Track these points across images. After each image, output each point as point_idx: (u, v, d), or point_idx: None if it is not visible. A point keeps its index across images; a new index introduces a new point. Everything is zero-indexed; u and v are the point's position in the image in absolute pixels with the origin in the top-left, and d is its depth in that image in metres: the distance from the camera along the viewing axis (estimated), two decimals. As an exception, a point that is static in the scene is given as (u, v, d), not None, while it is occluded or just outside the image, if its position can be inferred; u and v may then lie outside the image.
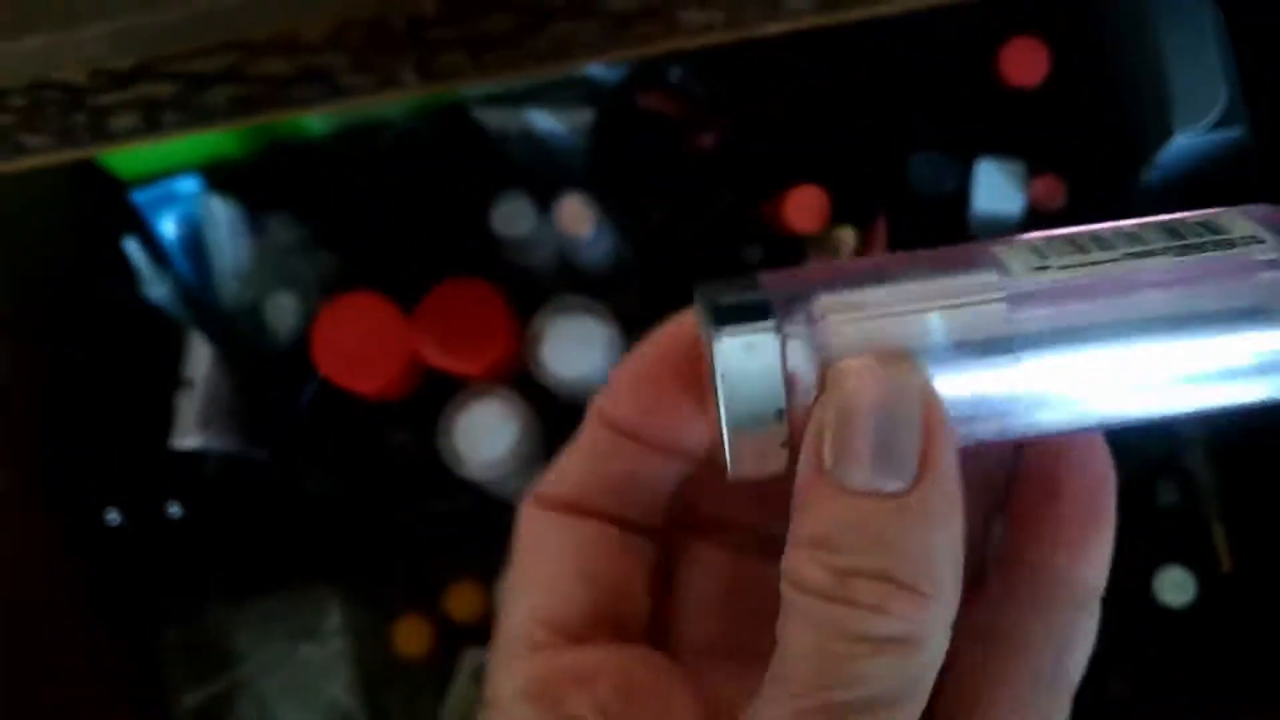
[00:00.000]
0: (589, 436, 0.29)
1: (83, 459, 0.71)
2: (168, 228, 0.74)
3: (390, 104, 0.72)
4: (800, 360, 0.24)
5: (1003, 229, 0.71)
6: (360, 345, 0.66)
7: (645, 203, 0.74)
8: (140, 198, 0.74)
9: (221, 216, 0.73)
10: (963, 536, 0.24)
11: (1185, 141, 0.66)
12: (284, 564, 0.75)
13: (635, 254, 0.73)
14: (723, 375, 0.24)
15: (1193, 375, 0.24)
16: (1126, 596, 0.73)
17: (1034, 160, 0.70)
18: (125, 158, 0.73)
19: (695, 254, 0.73)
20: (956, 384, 0.24)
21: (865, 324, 0.24)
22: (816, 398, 0.24)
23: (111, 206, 0.75)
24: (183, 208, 0.74)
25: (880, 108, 0.72)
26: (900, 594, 0.23)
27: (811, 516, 0.24)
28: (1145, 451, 0.74)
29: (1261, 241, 0.24)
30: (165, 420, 0.69)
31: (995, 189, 0.70)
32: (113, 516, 0.65)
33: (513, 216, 0.69)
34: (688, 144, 0.73)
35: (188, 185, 0.74)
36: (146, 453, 0.70)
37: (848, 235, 0.71)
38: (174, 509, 0.66)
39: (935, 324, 0.24)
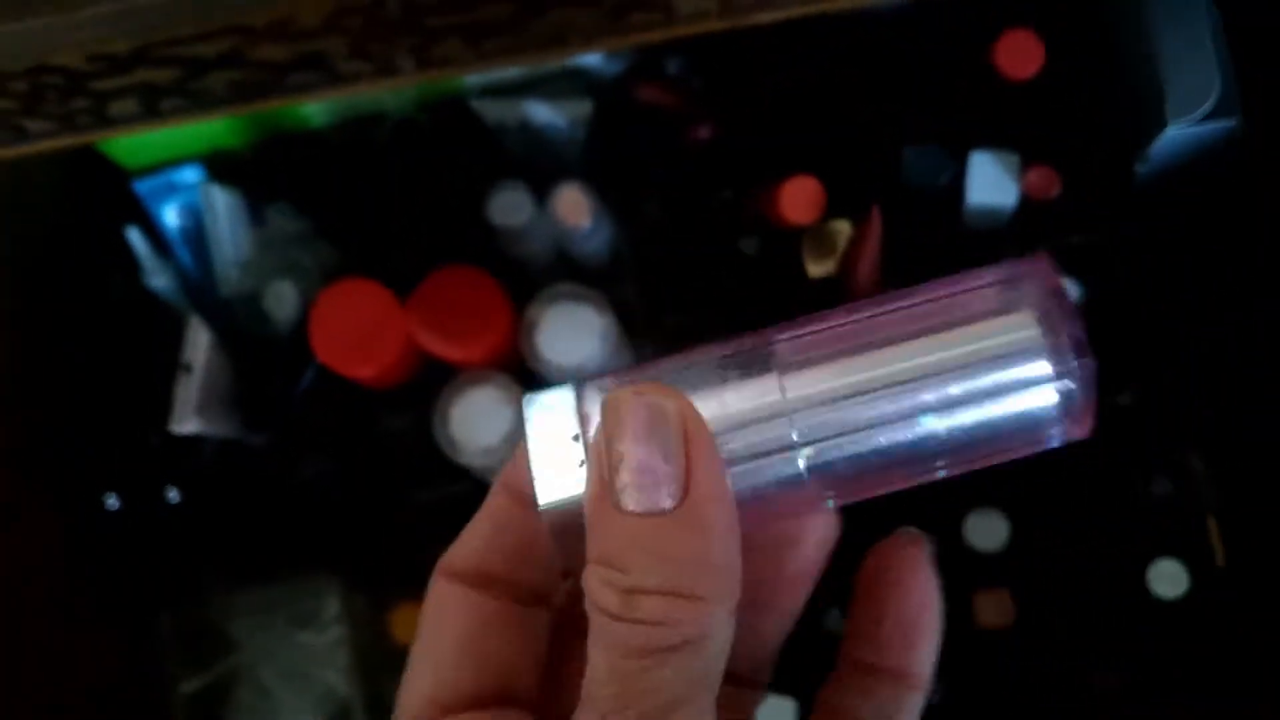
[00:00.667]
0: (491, 505, 0.31)
1: (82, 444, 0.71)
2: (169, 217, 0.75)
3: (389, 95, 0.73)
4: (592, 403, 0.27)
5: (998, 220, 0.72)
6: (357, 332, 0.66)
7: (642, 194, 0.74)
8: (142, 187, 0.75)
9: (222, 206, 0.74)
10: (737, 541, 0.26)
11: (1179, 133, 0.67)
12: (282, 551, 0.75)
13: (632, 245, 0.74)
14: (530, 418, 0.28)
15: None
16: (1120, 588, 0.74)
17: (1028, 152, 0.71)
18: (127, 147, 0.74)
19: (691, 245, 0.74)
20: (715, 404, 0.27)
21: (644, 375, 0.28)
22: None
23: (113, 196, 0.75)
24: (184, 197, 0.75)
25: (875, 100, 0.73)
26: (680, 603, 0.25)
27: (597, 536, 0.25)
28: (1140, 443, 0.74)
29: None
30: (164, 406, 0.70)
31: (990, 180, 0.70)
32: (111, 501, 0.65)
33: (510, 207, 0.69)
34: (684, 136, 0.74)
35: (189, 175, 0.75)
36: (145, 438, 0.71)
37: (843, 227, 0.71)
38: (172, 494, 0.66)
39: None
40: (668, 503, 0.25)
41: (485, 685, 0.30)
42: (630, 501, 0.25)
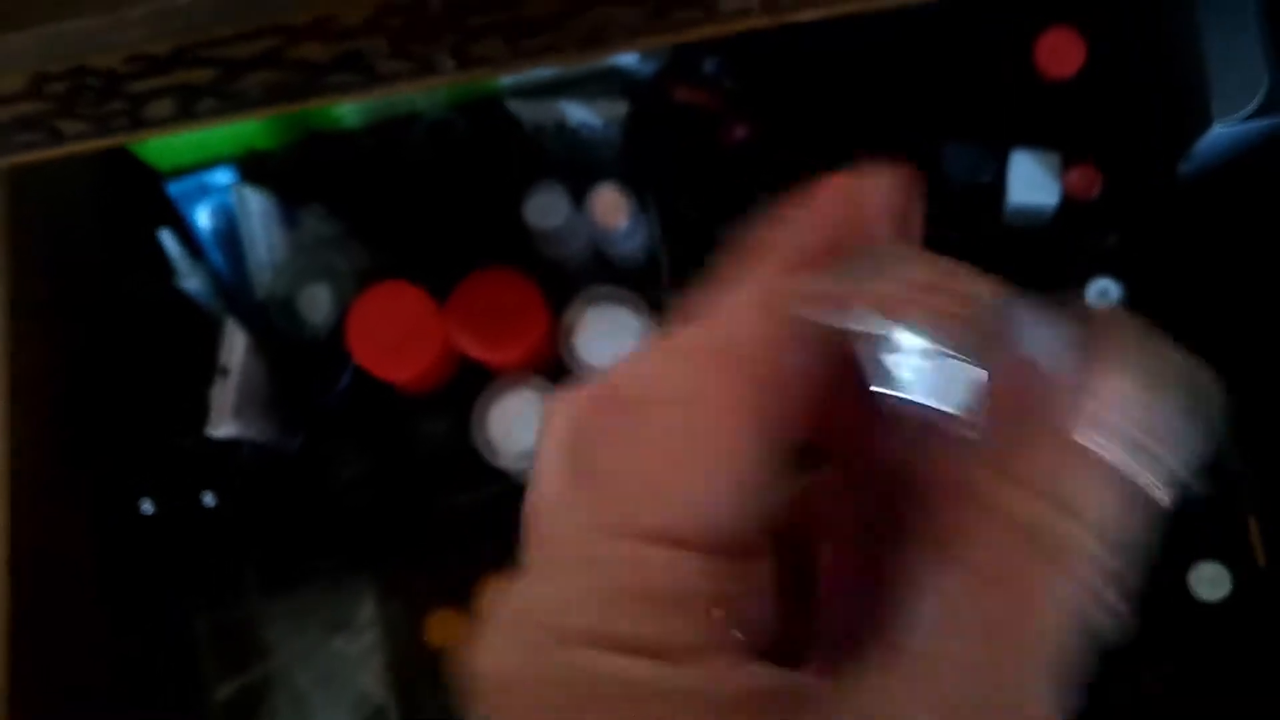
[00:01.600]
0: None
1: (117, 448, 0.71)
2: (202, 219, 0.74)
3: (423, 96, 0.73)
4: None
5: (1039, 219, 0.71)
6: (394, 335, 0.66)
7: (678, 194, 0.73)
8: (175, 189, 0.74)
9: (256, 208, 0.73)
10: None
11: (1224, 131, 0.66)
12: (317, 556, 0.75)
13: (668, 246, 0.73)
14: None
15: None
16: (1162, 591, 0.73)
17: (1070, 151, 0.70)
18: (160, 149, 0.74)
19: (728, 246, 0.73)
20: None
21: None
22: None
23: (147, 198, 0.75)
24: (217, 199, 0.74)
25: (915, 98, 0.72)
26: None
27: (1066, 468, 0.22)
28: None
29: None
30: (200, 410, 0.69)
31: (1030, 179, 0.70)
32: (146, 506, 0.65)
33: (547, 208, 0.68)
34: (721, 136, 0.73)
35: (222, 177, 0.74)
36: (180, 442, 0.70)
37: (882, 227, 0.71)
38: (208, 498, 0.66)
39: None
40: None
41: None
42: (1128, 461, 0.22)
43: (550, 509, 0.26)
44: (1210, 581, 0.72)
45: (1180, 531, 0.73)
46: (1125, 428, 0.22)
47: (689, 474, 0.23)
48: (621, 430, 0.24)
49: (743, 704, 0.22)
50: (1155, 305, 0.74)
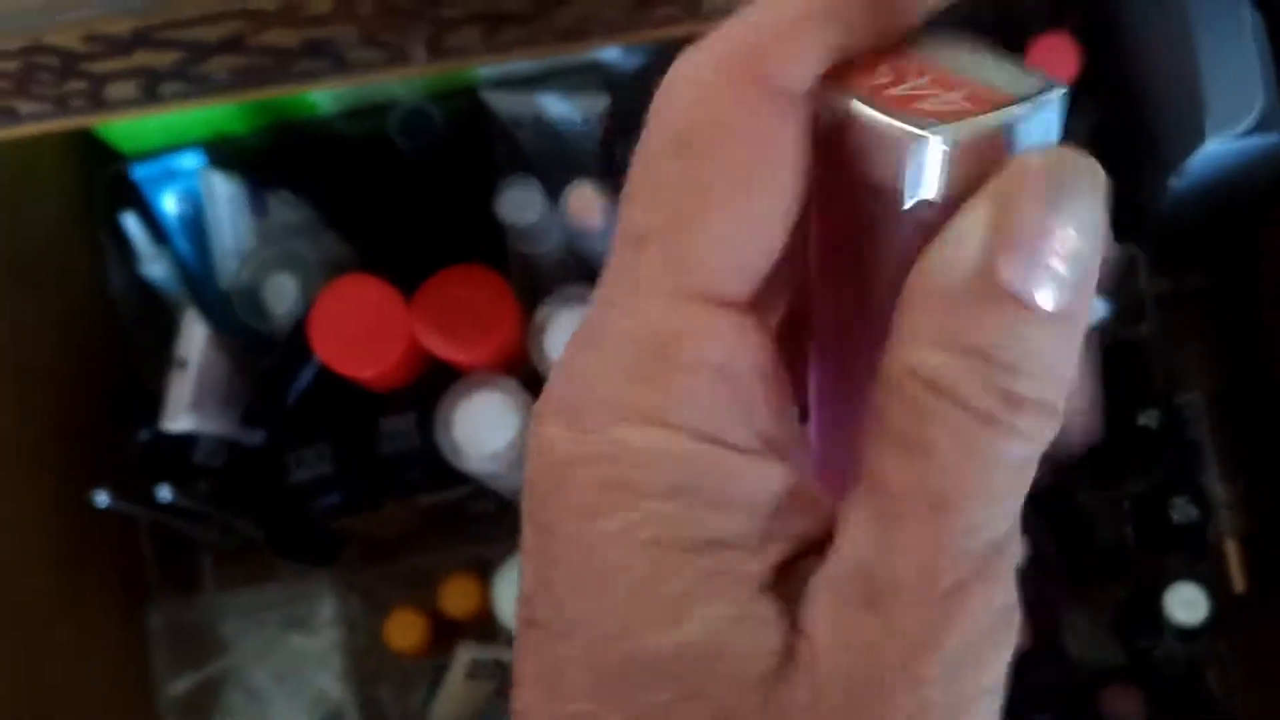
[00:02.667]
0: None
1: (74, 438, 0.69)
2: (168, 204, 0.72)
3: (399, 83, 0.71)
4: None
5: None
6: (359, 330, 0.64)
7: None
8: (140, 173, 0.72)
9: (223, 194, 0.71)
10: None
11: (1218, 147, 0.64)
12: (276, 552, 0.73)
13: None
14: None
15: None
16: (1137, 614, 0.72)
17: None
18: (126, 132, 0.72)
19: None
20: None
21: None
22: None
23: (111, 181, 0.73)
24: (184, 184, 0.73)
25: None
26: (1049, 425, 0.21)
27: (973, 320, 0.20)
28: (1161, 468, 0.72)
29: None
30: (158, 401, 0.67)
31: (1018, 190, 0.68)
32: (101, 499, 0.63)
33: (521, 203, 0.67)
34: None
35: (190, 161, 0.72)
36: (138, 434, 0.68)
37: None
38: (164, 492, 0.64)
39: None
40: (1080, 306, 0.21)
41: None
42: (1050, 298, 0.20)
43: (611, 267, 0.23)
44: (1187, 604, 0.71)
45: (1157, 553, 0.72)
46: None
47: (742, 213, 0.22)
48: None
49: (782, 504, 0.22)
50: (1139, 324, 0.72)
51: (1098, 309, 0.70)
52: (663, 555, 0.21)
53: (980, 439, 0.20)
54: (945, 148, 0.21)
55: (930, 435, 0.21)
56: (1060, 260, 0.20)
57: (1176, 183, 0.68)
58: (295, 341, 0.66)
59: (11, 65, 0.55)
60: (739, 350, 0.22)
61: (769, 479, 0.22)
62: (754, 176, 0.22)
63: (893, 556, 0.21)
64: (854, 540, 0.22)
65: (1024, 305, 0.20)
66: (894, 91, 0.21)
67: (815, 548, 0.22)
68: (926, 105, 0.21)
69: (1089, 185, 0.20)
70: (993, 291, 0.20)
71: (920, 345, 0.21)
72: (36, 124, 0.59)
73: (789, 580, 0.22)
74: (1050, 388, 0.21)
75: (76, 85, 0.58)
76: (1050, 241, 0.20)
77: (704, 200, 0.22)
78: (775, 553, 0.22)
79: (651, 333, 0.22)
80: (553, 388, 0.23)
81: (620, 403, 0.22)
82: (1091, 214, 0.20)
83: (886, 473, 0.21)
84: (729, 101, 0.22)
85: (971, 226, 0.20)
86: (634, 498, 0.21)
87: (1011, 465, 0.21)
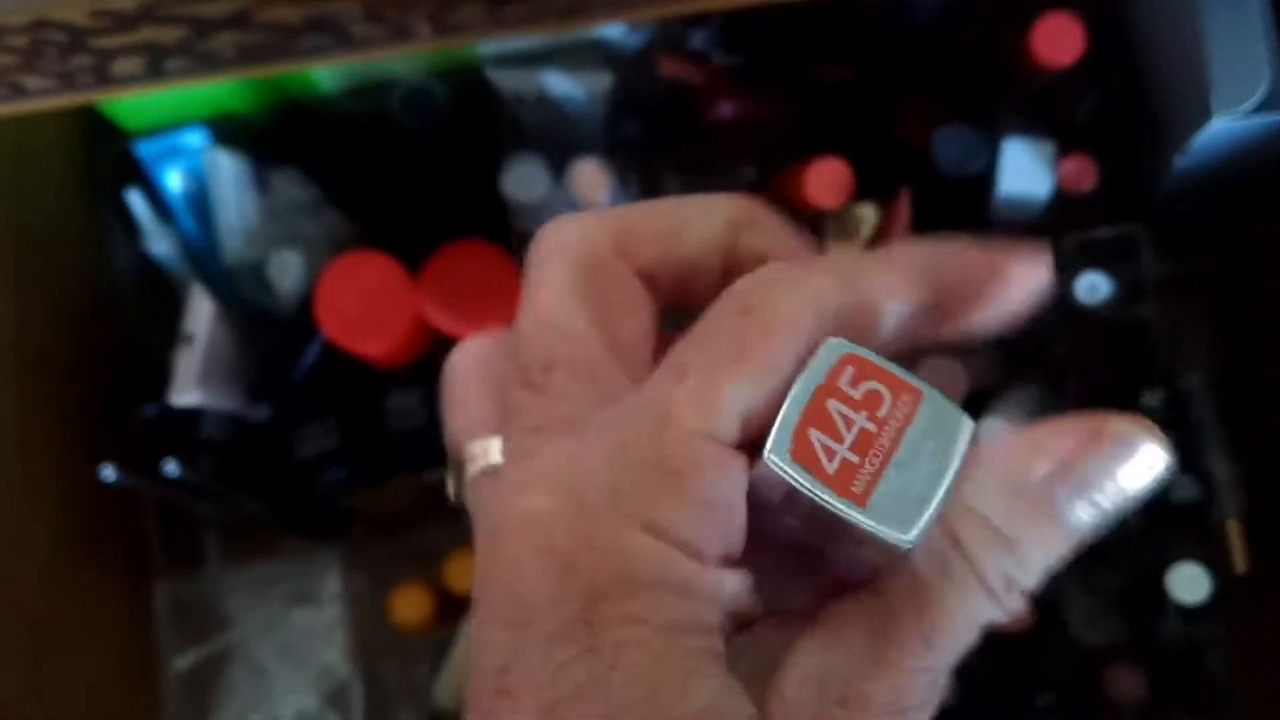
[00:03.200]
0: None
1: (79, 413, 0.69)
2: (172, 181, 0.72)
3: (401, 61, 0.71)
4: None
5: (1029, 211, 0.69)
6: (364, 307, 0.64)
7: (662, 171, 0.72)
8: (144, 150, 0.72)
9: (227, 171, 0.71)
10: None
11: (1224, 126, 0.64)
12: (281, 527, 0.74)
13: (650, 224, 0.71)
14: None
15: None
16: (1139, 592, 0.72)
17: (1064, 141, 0.68)
18: (130, 109, 0.72)
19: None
20: None
21: None
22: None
23: (115, 158, 0.73)
24: (188, 161, 0.73)
25: (907, 81, 0.70)
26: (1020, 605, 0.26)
27: (1013, 516, 0.25)
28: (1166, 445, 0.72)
29: None
30: (164, 376, 0.68)
31: (1023, 169, 0.68)
32: (107, 473, 0.63)
33: (525, 180, 0.67)
34: (707, 112, 0.71)
35: (194, 138, 0.72)
36: (144, 409, 0.69)
37: (868, 212, 0.69)
38: (170, 467, 0.64)
39: None
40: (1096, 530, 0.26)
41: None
42: (1082, 518, 0.26)
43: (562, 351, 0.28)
44: (1188, 583, 0.71)
45: (1160, 531, 0.72)
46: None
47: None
48: None
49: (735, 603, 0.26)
50: (1142, 302, 0.72)
51: (1101, 289, 0.71)
52: (673, 638, 0.24)
53: (977, 604, 0.25)
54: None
55: (942, 583, 0.25)
56: (1105, 503, 0.25)
57: (1181, 162, 0.68)
58: (301, 318, 0.66)
59: (20, 40, 0.55)
60: (733, 487, 0.25)
61: (733, 584, 0.26)
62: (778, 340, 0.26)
63: (874, 670, 0.25)
64: (830, 647, 0.26)
65: (1058, 519, 0.25)
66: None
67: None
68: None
69: (1152, 467, 0.26)
70: (1043, 500, 0.25)
71: (963, 504, 0.25)
72: (43, 99, 0.59)
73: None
74: (1038, 580, 0.26)
75: (82, 61, 0.58)
76: (1105, 494, 0.25)
77: (743, 351, 0.25)
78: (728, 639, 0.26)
79: (671, 458, 0.25)
80: (544, 464, 0.26)
81: (631, 511, 0.25)
82: (1144, 488, 0.25)
83: (891, 596, 0.25)
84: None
85: (1054, 446, 0.26)
86: (643, 589, 0.24)
87: (979, 629, 0.26)
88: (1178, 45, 0.65)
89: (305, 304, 0.66)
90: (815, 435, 0.24)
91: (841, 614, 0.26)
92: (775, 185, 0.70)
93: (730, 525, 0.25)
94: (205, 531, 0.75)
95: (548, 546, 0.25)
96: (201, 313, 0.67)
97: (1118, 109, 0.69)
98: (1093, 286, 0.70)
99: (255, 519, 0.73)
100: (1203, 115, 0.64)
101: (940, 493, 0.24)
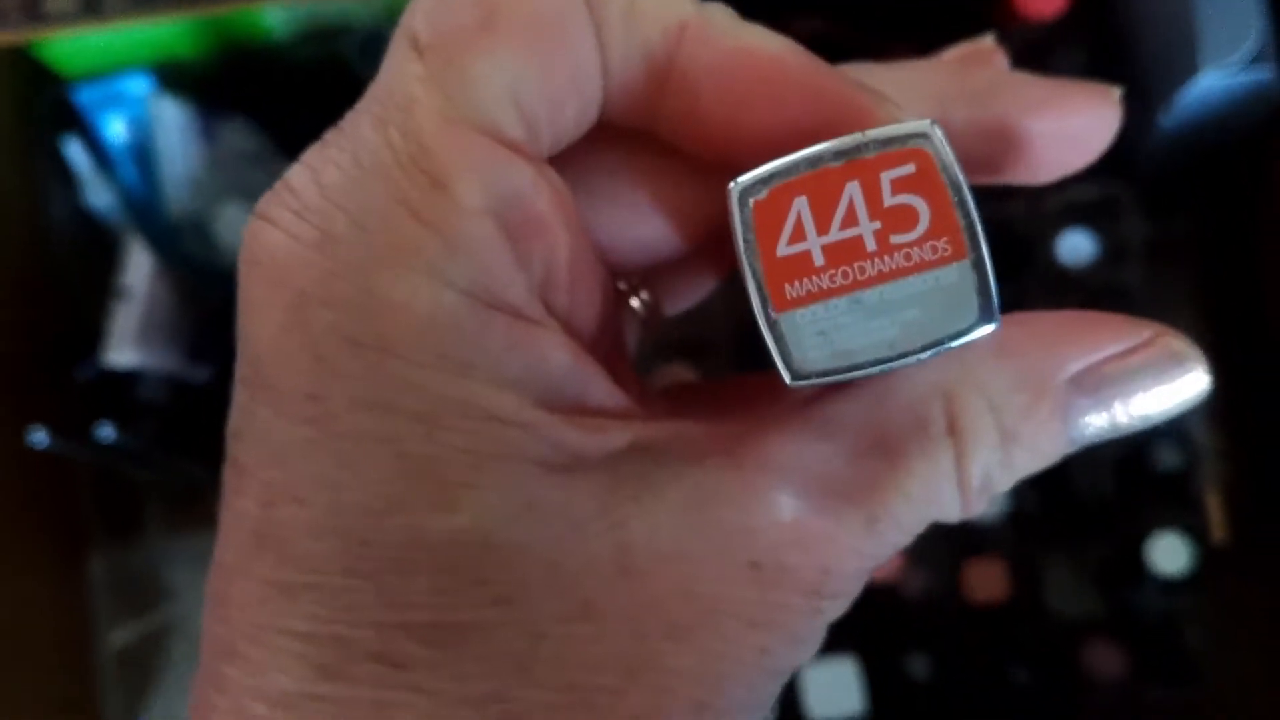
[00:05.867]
0: None
1: (6, 376, 0.66)
2: (113, 129, 0.69)
3: (357, 6, 0.67)
4: None
5: (1010, 168, 0.67)
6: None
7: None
8: (84, 97, 0.69)
9: (172, 120, 0.68)
10: None
11: (1211, 82, 0.62)
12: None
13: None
14: None
15: None
16: (1119, 563, 0.70)
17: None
18: (68, 53, 0.68)
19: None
20: None
21: None
22: None
23: (54, 105, 0.69)
24: (130, 109, 0.69)
25: (885, 34, 0.68)
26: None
27: (1024, 402, 0.21)
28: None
29: None
30: (100, 337, 0.64)
31: (1004, 125, 0.65)
32: (38, 437, 0.60)
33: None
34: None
35: (137, 85, 0.69)
36: (77, 370, 0.65)
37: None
38: (105, 431, 0.60)
39: None
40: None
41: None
42: (1089, 432, 0.21)
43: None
44: (1168, 553, 0.69)
45: (1141, 501, 0.70)
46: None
47: None
48: None
49: (572, 385, 0.20)
50: (1125, 263, 0.70)
51: (1084, 249, 0.68)
52: (429, 432, 0.19)
53: (941, 494, 0.20)
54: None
55: (913, 457, 0.20)
56: (1122, 419, 0.21)
57: (1165, 119, 0.65)
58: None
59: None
60: (525, 198, 0.19)
61: (552, 351, 0.20)
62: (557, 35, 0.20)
63: (797, 540, 0.20)
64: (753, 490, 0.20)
65: (1065, 425, 0.21)
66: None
67: (624, 448, 0.20)
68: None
69: (1190, 393, 0.22)
70: (1058, 401, 0.21)
71: (973, 378, 0.21)
72: (-31, 35, 0.55)
73: (592, 473, 0.20)
74: (1008, 486, 0.21)
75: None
76: (1129, 408, 0.21)
77: (495, 26, 0.20)
78: (567, 435, 0.20)
79: (426, 159, 0.19)
80: (294, 182, 0.20)
81: (384, 240, 0.19)
82: (1170, 413, 0.22)
83: (848, 421, 0.20)
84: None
85: (1090, 346, 0.21)
86: (391, 361, 0.19)
87: (924, 526, 0.21)
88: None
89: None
90: (800, 203, 0.19)
91: (766, 447, 0.20)
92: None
93: (537, 255, 0.20)
94: (145, 500, 0.71)
95: (279, 284, 0.19)
96: (140, 266, 0.63)
97: (1102, 63, 0.67)
98: (1075, 247, 0.67)
99: (196, 487, 0.70)
100: (1190, 69, 0.62)
101: (864, 373, 0.19)
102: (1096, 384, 0.21)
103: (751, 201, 0.19)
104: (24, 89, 0.70)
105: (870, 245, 0.19)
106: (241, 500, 0.20)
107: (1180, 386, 0.22)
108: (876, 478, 0.20)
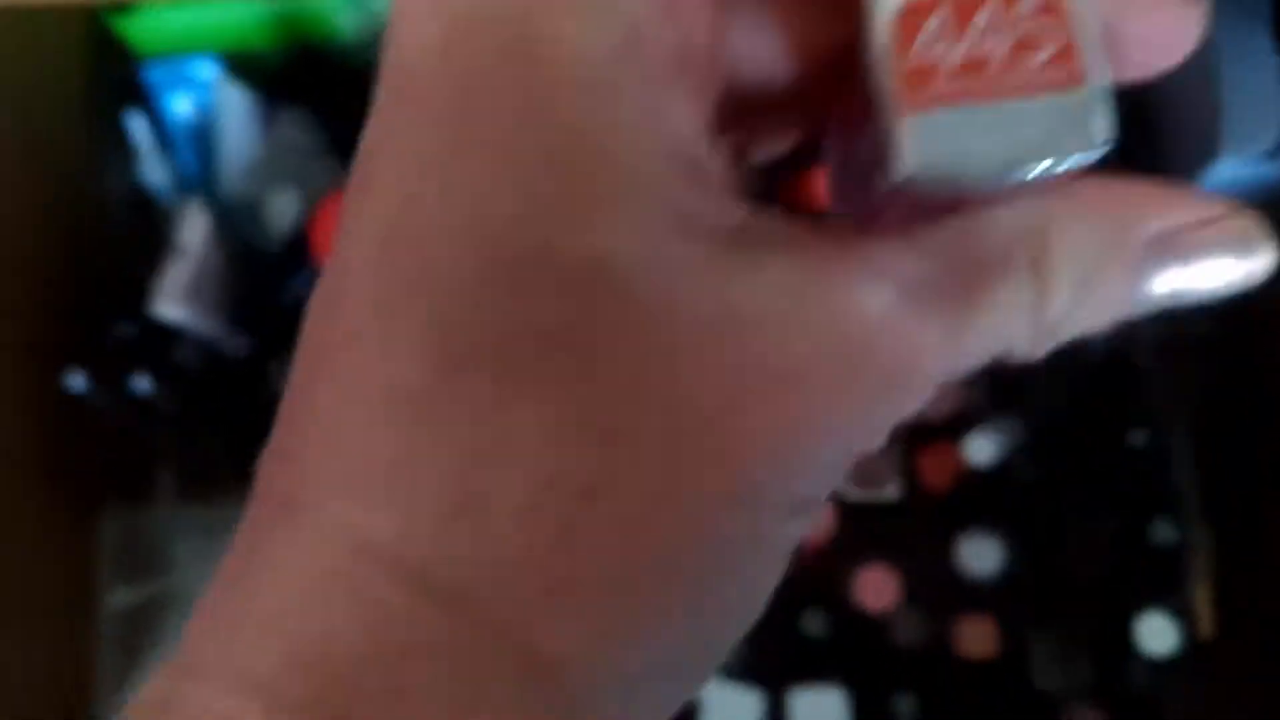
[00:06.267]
0: None
1: (47, 325, 0.67)
2: (178, 108, 0.71)
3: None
4: None
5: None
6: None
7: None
8: (153, 74, 0.71)
9: (235, 105, 0.70)
10: None
11: (1232, 170, 0.64)
12: (243, 470, 0.71)
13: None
14: None
15: None
16: (1107, 632, 0.71)
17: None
18: (143, 31, 0.71)
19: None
20: None
21: None
22: None
23: (122, 80, 0.72)
24: (196, 91, 0.71)
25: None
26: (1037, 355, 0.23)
27: (1106, 256, 0.22)
28: (1144, 489, 0.72)
29: None
30: (140, 300, 0.66)
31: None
32: (77, 381, 0.61)
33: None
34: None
35: (204, 69, 0.71)
36: (122, 323, 0.66)
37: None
38: (142, 384, 0.62)
39: None
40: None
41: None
42: (1153, 295, 0.22)
43: None
44: (1156, 633, 0.70)
45: (1133, 574, 0.71)
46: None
47: None
48: None
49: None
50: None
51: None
52: (573, 154, 0.20)
53: (1010, 326, 0.21)
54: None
55: (995, 272, 0.21)
56: (1188, 285, 0.23)
57: (1187, 206, 0.68)
58: (293, 251, 0.64)
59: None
60: None
61: (689, 112, 0.21)
62: None
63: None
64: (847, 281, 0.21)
65: (1136, 284, 0.22)
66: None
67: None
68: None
69: (1257, 271, 0.23)
70: (1134, 257, 0.22)
71: (1061, 225, 0.21)
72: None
73: (707, 236, 0.20)
74: (1072, 335, 0.22)
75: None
76: (1197, 276, 0.23)
77: None
78: (691, 194, 0.20)
79: None
80: None
81: None
82: (1233, 287, 0.23)
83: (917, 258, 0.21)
84: None
85: (1170, 212, 0.23)
86: (542, 82, 0.20)
87: (987, 357, 0.21)
88: (1189, 80, 0.66)
89: (297, 241, 0.65)
90: (943, 11, 0.20)
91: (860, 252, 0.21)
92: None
93: (688, 24, 0.21)
94: (159, 468, 0.72)
95: (441, 8, 0.20)
96: (196, 227, 0.65)
97: (1121, 144, 0.70)
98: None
99: (211, 460, 0.70)
100: (1210, 156, 0.64)
101: (975, 181, 0.20)
102: (1172, 248, 0.22)
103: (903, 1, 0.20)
104: (95, 61, 0.73)
105: (1000, 61, 0.20)
106: (373, 205, 0.20)
107: (1248, 264, 0.23)
108: (962, 295, 0.21)
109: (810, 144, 0.27)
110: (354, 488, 0.19)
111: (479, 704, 0.19)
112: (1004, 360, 0.22)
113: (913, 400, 0.21)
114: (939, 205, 0.22)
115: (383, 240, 0.20)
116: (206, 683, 0.19)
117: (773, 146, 0.26)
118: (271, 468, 0.21)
